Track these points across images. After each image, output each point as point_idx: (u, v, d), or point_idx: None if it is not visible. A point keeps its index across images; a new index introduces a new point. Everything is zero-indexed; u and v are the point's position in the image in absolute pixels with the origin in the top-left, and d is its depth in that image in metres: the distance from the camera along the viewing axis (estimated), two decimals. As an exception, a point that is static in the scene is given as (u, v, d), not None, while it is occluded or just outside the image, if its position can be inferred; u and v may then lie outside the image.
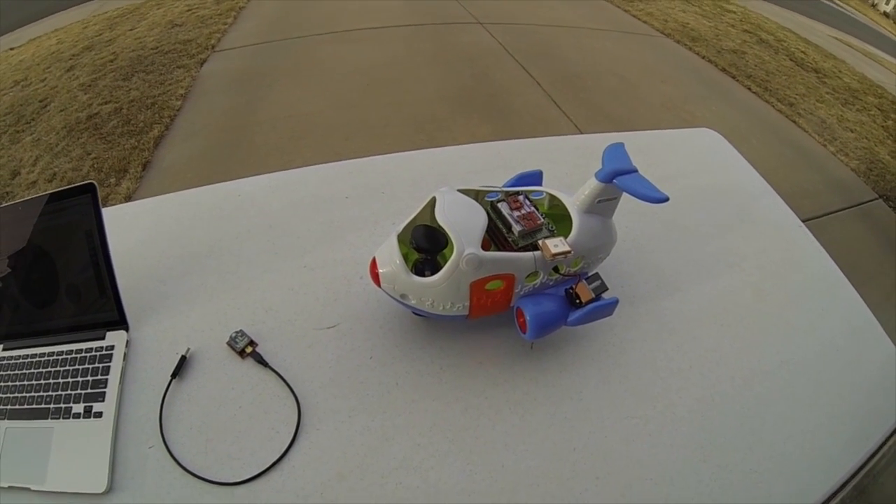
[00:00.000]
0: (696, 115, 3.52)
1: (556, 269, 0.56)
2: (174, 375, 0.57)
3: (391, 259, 0.53)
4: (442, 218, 0.51)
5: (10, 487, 0.51)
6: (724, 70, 4.45)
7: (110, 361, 0.58)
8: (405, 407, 0.56)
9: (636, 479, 0.54)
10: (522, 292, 0.55)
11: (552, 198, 0.61)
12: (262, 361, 0.58)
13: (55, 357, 0.59)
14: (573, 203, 0.57)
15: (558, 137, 1.00)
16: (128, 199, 2.34)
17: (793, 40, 5.93)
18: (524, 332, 0.55)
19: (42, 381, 0.58)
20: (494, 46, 4.11)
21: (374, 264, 0.54)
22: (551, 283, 0.57)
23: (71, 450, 0.53)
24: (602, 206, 0.58)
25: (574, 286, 0.55)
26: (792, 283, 0.77)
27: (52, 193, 0.61)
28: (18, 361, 0.60)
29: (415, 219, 0.56)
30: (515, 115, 3.20)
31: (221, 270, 0.68)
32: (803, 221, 0.90)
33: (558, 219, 0.59)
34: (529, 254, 0.53)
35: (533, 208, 0.57)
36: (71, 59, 4.19)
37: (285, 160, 2.52)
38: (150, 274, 0.68)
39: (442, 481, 0.51)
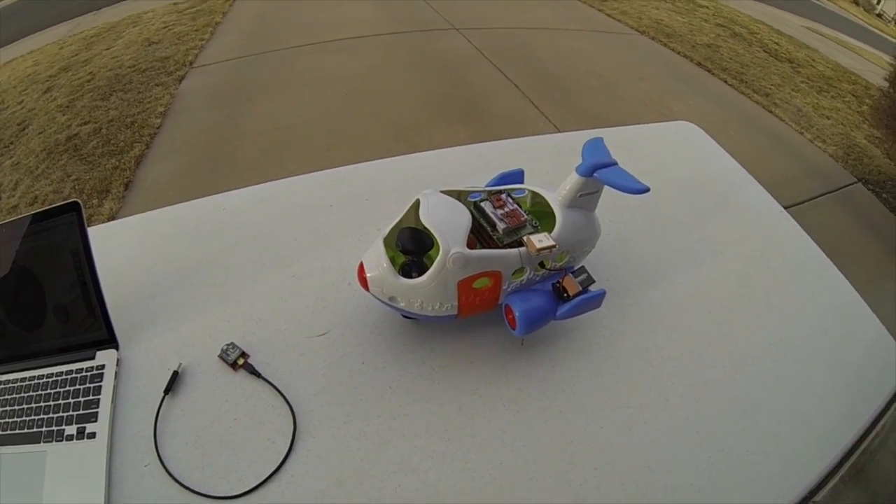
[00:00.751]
0: (674, 110, 3.57)
1: (542, 265, 0.57)
2: (167, 391, 0.56)
3: (378, 262, 0.53)
4: (426, 219, 0.51)
5: (5, 514, 0.50)
6: (699, 64, 4.52)
7: (101, 381, 0.57)
8: (400, 410, 0.56)
9: (634, 468, 0.54)
10: (510, 289, 0.56)
11: (534, 195, 0.62)
12: (254, 372, 0.58)
13: (45, 379, 0.59)
14: (555, 198, 0.58)
15: (538, 137, 1.00)
16: (111, 219, 2.28)
17: (765, 32, 6.04)
18: (514, 329, 0.55)
19: (33, 405, 0.57)
20: (471, 51, 4.14)
21: (361, 269, 0.55)
22: (538, 279, 0.58)
23: (66, 472, 0.52)
24: (584, 199, 0.59)
25: (561, 280, 0.55)
26: (776, 268, 0.78)
27: (35, 214, 0.60)
28: (8, 386, 0.60)
29: (400, 222, 0.56)
30: (495, 119, 3.23)
31: (210, 284, 0.68)
32: (785, 208, 0.91)
33: (542, 215, 0.60)
34: (515, 250, 0.53)
35: (516, 206, 0.58)
36: (48, 80, 4.15)
37: (268, 173, 2.48)
38: (139, 291, 0.68)
39: (441, 482, 0.52)
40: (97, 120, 3.23)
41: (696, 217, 0.85)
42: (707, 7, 6.56)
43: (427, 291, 0.52)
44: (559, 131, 0.92)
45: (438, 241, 0.50)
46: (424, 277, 0.51)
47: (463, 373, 0.59)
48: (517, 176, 0.66)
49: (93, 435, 0.53)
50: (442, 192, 0.56)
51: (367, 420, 0.55)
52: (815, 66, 5.23)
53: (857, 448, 0.60)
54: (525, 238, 0.53)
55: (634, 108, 3.56)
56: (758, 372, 0.64)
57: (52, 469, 0.52)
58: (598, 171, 0.56)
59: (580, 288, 0.55)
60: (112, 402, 0.56)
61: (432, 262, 0.51)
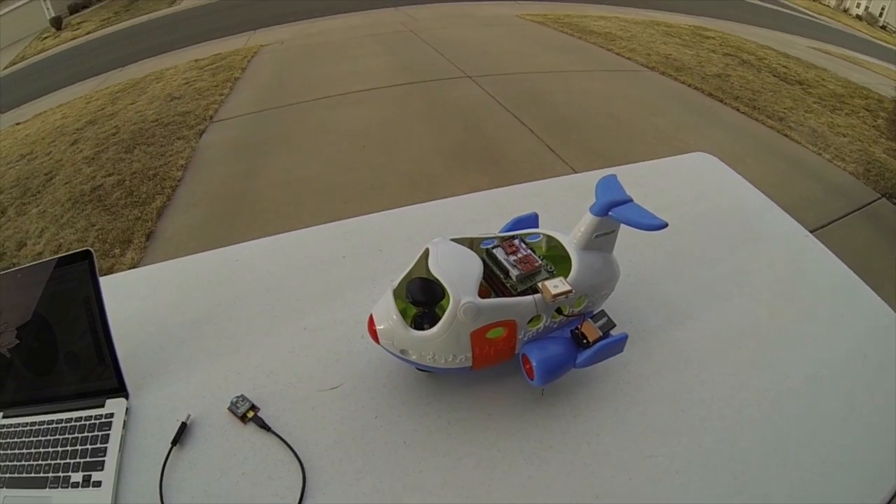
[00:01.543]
0: (689, 143, 3.56)
1: (559, 311, 0.54)
2: (174, 443, 0.55)
3: (388, 314, 0.51)
4: (436, 268, 0.50)
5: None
6: (710, 95, 4.53)
7: (110, 429, 0.57)
8: (414, 466, 0.53)
9: None
10: (526, 338, 0.54)
11: (549, 239, 0.61)
12: (264, 426, 0.56)
13: (54, 425, 0.59)
14: (570, 241, 0.56)
15: (552, 179, 0.99)
16: (132, 269, 2.35)
17: (773, 56, 6.06)
18: (531, 379, 0.53)
19: (41, 450, 0.57)
20: (485, 98, 4.22)
21: (371, 321, 0.53)
22: (556, 326, 0.55)
23: (70, 520, 0.51)
24: (600, 240, 0.57)
25: (579, 326, 0.53)
26: (807, 295, 0.75)
27: (49, 261, 0.61)
28: (18, 429, 0.60)
29: (410, 272, 0.55)
30: (511, 164, 3.25)
31: (221, 336, 0.68)
32: (810, 231, 0.88)
33: (558, 260, 0.58)
34: (529, 297, 0.51)
35: (529, 251, 0.56)
36: (75, 132, 4.34)
37: (286, 226, 2.52)
38: (150, 341, 0.67)
39: (459, 543, 0.48)
40: (121, 172, 3.34)
41: (718, 249, 0.82)
42: (714, 38, 6.64)
43: (439, 343, 0.50)
44: (576, 173, 0.92)
45: (448, 290, 0.48)
46: (435, 329, 0.49)
47: (480, 426, 0.57)
48: (531, 220, 0.64)
49: (98, 483, 0.53)
50: (453, 240, 0.55)
51: (379, 476, 0.53)
52: (826, 85, 5.20)
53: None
54: (540, 284, 0.51)
55: (649, 144, 3.56)
56: (796, 408, 0.60)
57: (56, 515, 0.51)
58: (613, 210, 0.54)
59: (600, 333, 0.53)
60: (119, 451, 0.55)
61: (444, 313, 0.49)
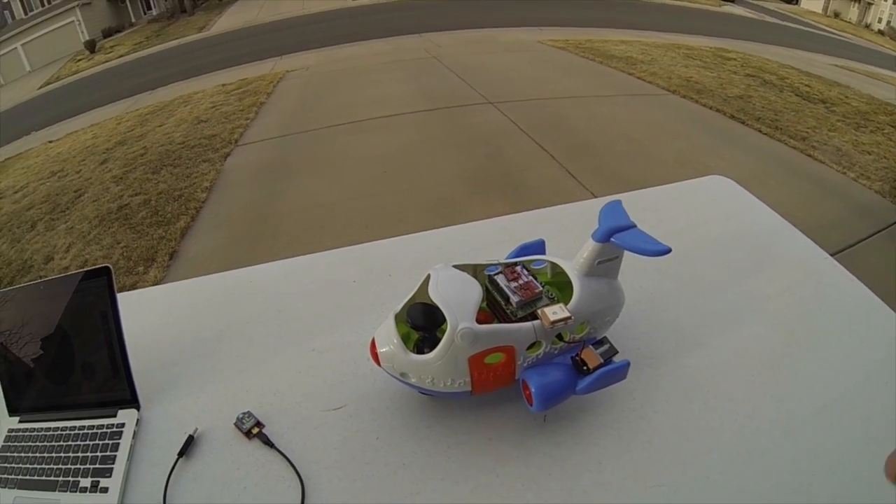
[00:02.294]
0: (710, 166, 3.52)
1: (559, 337, 0.55)
2: (181, 454, 0.57)
3: (388, 338, 0.52)
4: (435, 294, 0.51)
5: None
6: (732, 117, 4.50)
7: (120, 438, 0.59)
8: (412, 488, 0.54)
9: None
10: (526, 364, 0.54)
11: (554, 265, 0.61)
12: (268, 442, 0.58)
13: (67, 432, 0.61)
14: (573, 268, 0.57)
15: (564, 205, 0.99)
16: (152, 286, 2.40)
17: (795, 76, 6.00)
18: (531, 405, 0.53)
19: (53, 455, 0.60)
20: (506, 124, 4.25)
21: (373, 345, 0.54)
22: (556, 352, 0.55)
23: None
24: (603, 267, 0.57)
25: (579, 353, 0.53)
26: (824, 320, 0.72)
27: (71, 275, 0.65)
28: (33, 434, 0.63)
29: (413, 297, 0.56)
30: (531, 191, 3.26)
31: (231, 354, 0.70)
32: (833, 254, 0.85)
33: (563, 286, 0.59)
34: (528, 324, 0.51)
35: (531, 278, 0.57)
36: (105, 152, 4.50)
37: (306, 250, 2.56)
38: (163, 356, 0.70)
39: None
40: (147, 192, 3.45)
41: (731, 274, 0.80)
42: (735, 59, 6.61)
43: (437, 368, 0.50)
44: (592, 198, 0.92)
45: (446, 316, 0.49)
46: (433, 353, 0.50)
47: (480, 450, 0.56)
48: (538, 247, 0.65)
49: (105, 489, 0.55)
50: (455, 266, 0.56)
51: (377, 497, 0.53)
52: (850, 103, 5.12)
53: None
54: (539, 311, 0.52)
55: (670, 168, 3.54)
56: (811, 438, 0.57)
57: (63, 518, 0.54)
58: (616, 236, 0.54)
59: (601, 360, 0.53)
60: (127, 459, 0.57)
61: (444, 337, 0.50)
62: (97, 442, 0.59)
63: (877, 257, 2.61)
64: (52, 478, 0.57)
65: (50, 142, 5.57)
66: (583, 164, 3.55)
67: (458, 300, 0.50)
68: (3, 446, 0.63)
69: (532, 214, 0.95)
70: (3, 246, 3.13)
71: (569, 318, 0.50)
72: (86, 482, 0.56)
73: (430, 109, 4.61)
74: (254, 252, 2.70)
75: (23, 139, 6.30)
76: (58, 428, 0.62)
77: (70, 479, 0.57)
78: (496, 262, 0.61)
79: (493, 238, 0.88)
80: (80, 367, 0.64)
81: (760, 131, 4.21)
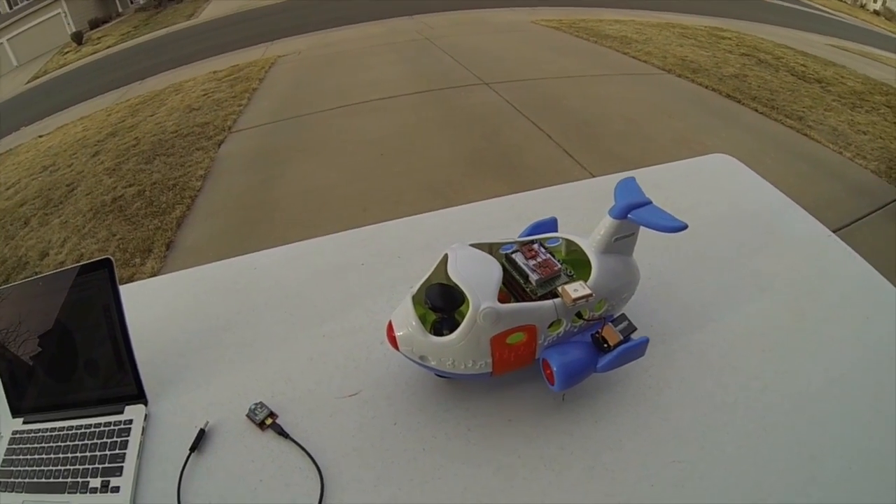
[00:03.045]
0: (707, 145, 3.51)
1: (579, 315, 0.54)
2: (193, 449, 0.56)
3: (407, 321, 0.51)
4: (455, 274, 0.49)
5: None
6: (728, 96, 4.48)
7: (128, 436, 0.57)
8: (433, 473, 0.53)
9: None
10: (546, 343, 0.53)
11: (569, 243, 0.60)
12: (282, 433, 0.56)
13: (73, 431, 0.60)
14: (590, 245, 0.56)
15: (570, 184, 0.98)
16: (152, 277, 2.38)
17: (791, 55, 5.98)
18: (552, 385, 0.52)
19: (60, 455, 0.58)
20: (502, 105, 4.21)
21: (390, 328, 0.53)
22: (576, 330, 0.55)
23: (87, 525, 0.51)
24: (620, 243, 0.56)
25: (600, 330, 0.52)
26: (830, 296, 0.73)
27: (70, 269, 0.62)
28: (37, 435, 0.61)
29: (429, 278, 0.55)
30: (529, 171, 3.24)
31: (239, 343, 0.68)
32: (832, 231, 0.86)
33: (578, 264, 0.58)
34: (549, 302, 0.51)
35: (549, 255, 0.56)
36: (96, 144, 4.44)
37: (304, 235, 2.55)
38: (169, 348, 0.68)
39: (479, 550, 0.48)
40: (141, 182, 3.41)
41: (739, 251, 0.81)
42: (730, 38, 6.56)
43: (459, 349, 0.49)
44: (594, 177, 0.91)
45: (468, 296, 0.48)
46: (455, 335, 0.49)
47: (500, 432, 0.56)
48: (550, 225, 0.64)
49: (116, 489, 0.53)
50: (472, 245, 0.55)
51: (398, 484, 0.52)
52: (845, 83, 5.11)
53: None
54: (560, 288, 0.51)
55: (667, 147, 3.53)
56: (821, 411, 0.58)
57: (73, 521, 0.52)
58: (633, 212, 0.53)
59: (621, 337, 0.52)
60: (138, 457, 0.56)
61: (464, 319, 0.49)
62: (105, 440, 0.57)
63: (874, 236, 2.62)
64: (60, 479, 0.56)
65: (40, 136, 5.48)
66: (580, 144, 3.53)
67: (478, 280, 0.49)
68: (7, 449, 0.61)
69: (538, 193, 0.94)
70: (-3, 244, 3.09)
71: (590, 294, 0.49)
72: (96, 482, 0.54)
73: (425, 91, 4.55)
74: (251, 238, 2.68)
75: (12, 135, 6.20)
76: (63, 428, 0.60)
77: (79, 479, 0.55)
78: (511, 240, 0.60)
79: (501, 217, 0.87)
80: (84, 363, 0.62)
81: (756, 110, 4.19)
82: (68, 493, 0.54)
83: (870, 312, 0.71)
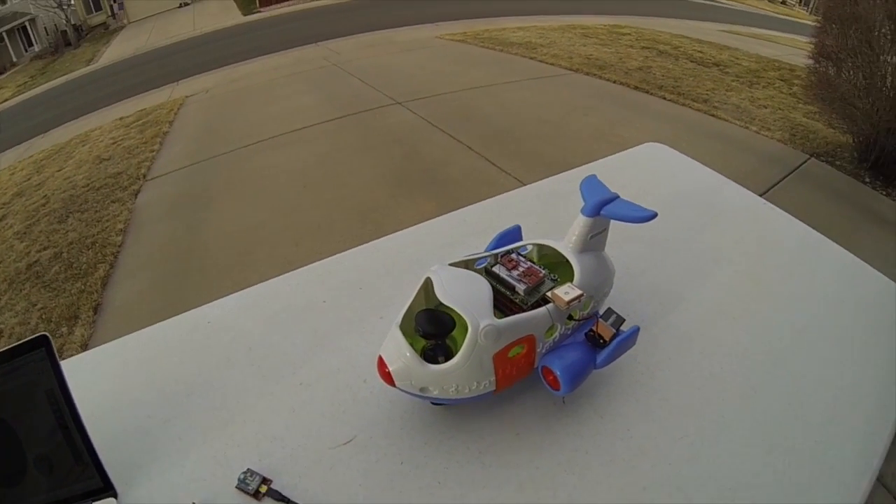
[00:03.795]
0: (625, 137, 3.69)
1: (570, 317, 0.53)
2: None
3: (400, 353, 0.48)
4: (445, 297, 0.47)
5: None
6: (636, 88, 4.73)
7: None
8: (455, 504, 0.50)
9: (715, 497, 0.51)
10: (544, 350, 0.52)
11: (541, 248, 0.60)
12: (281, 498, 0.51)
13: None
14: (566, 246, 0.56)
15: (516, 191, 0.99)
16: (84, 346, 2.22)
17: (688, 44, 6.43)
18: (556, 390, 0.51)
19: None
20: (418, 122, 4.24)
21: (381, 363, 0.50)
22: (569, 333, 0.54)
23: None
24: (595, 240, 0.57)
25: (594, 328, 0.52)
26: (778, 257, 0.80)
27: None
28: None
29: (412, 306, 0.52)
30: (455, 184, 3.26)
31: (208, 408, 0.62)
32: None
33: (552, 267, 0.58)
34: (543, 309, 0.50)
35: (530, 263, 0.55)
36: (1, 207, 4.08)
37: (240, 277, 2.48)
38: (130, 427, 0.60)
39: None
40: (56, 244, 3.16)
41: (689, 231, 0.86)
42: (629, 33, 6.97)
43: (462, 373, 0.47)
44: (522, 183, 0.92)
45: (464, 317, 0.46)
46: (457, 359, 0.47)
47: (512, 447, 0.54)
48: (515, 233, 0.63)
49: None
50: (450, 265, 0.53)
51: (420, 523, 0.49)
52: (741, 63, 5.55)
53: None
54: (550, 293, 0.50)
55: (587, 144, 3.67)
56: (798, 362, 0.64)
57: None
58: (605, 209, 0.54)
59: (614, 330, 0.52)
60: None
61: (456, 343, 0.47)
62: (76, 548, 0.49)
63: (791, 198, 2.85)
64: None
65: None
66: (501, 151, 3.60)
67: (471, 299, 0.47)
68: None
69: (487, 204, 0.94)
70: None
71: (581, 295, 0.49)
72: None
73: (340, 117, 4.52)
74: (185, 289, 2.53)
75: None
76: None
77: None
78: (484, 254, 0.58)
79: (455, 233, 0.86)
80: (34, 461, 0.53)
81: (665, 98, 4.46)
82: None
83: (815, 266, 0.79)
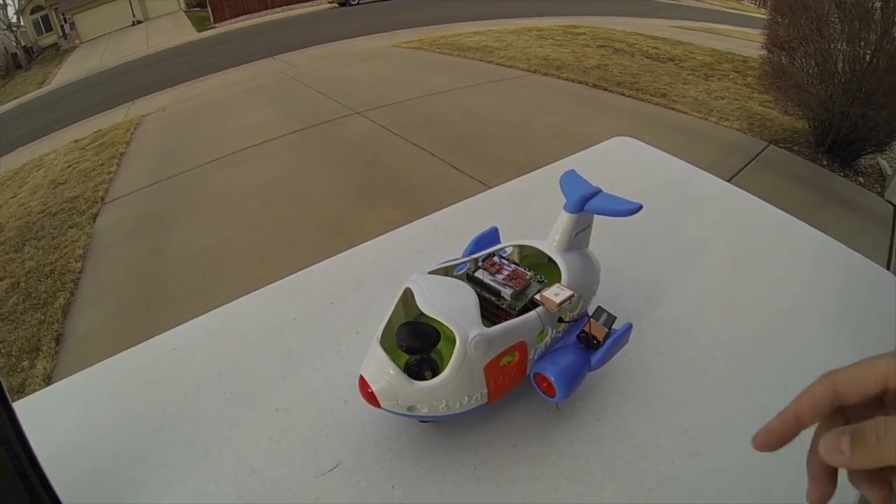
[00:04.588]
0: (587, 134, 3.74)
1: (560, 320, 0.51)
2: None
3: (383, 371, 0.45)
4: (429, 308, 0.44)
5: None
6: (595, 86, 4.81)
7: None
8: (455, 526, 0.47)
9: (726, 495, 0.49)
10: (535, 356, 0.50)
11: (522, 248, 0.58)
12: (264, 538, 0.47)
13: None
14: (550, 245, 0.53)
15: (487, 193, 0.96)
16: (47, 380, 2.11)
17: (642, 41, 6.58)
18: (551, 397, 0.49)
19: None
20: (379, 131, 4.22)
21: (363, 383, 0.46)
22: (560, 336, 0.52)
23: None
24: (579, 238, 0.55)
25: (586, 329, 0.50)
26: (756, 243, 0.81)
27: None
28: None
29: (391, 320, 0.49)
30: (419, 191, 3.25)
31: (180, 442, 0.57)
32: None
33: (535, 267, 0.55)
34: (533, 313, 0.47)
35: (514, 265, 0.53)
36: (-47, 239, 3.86)
37: (207, 298, 2.40)
38: (96, 470, 0.55)
39: None
40: (13, 274, 3.02)
41: (667, 222, 0.85)
42: (584, 33, 7.09)
43: (452, 388, 0.44)
44: (489, 187, 0.91)
45: (451, 328, 0.43)
46: (446, 373, 0.43)
47: (509, 460, 0.51)
48: (493, 235, 0.61)
49: None
50: (430, 273, 0.50)
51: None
52: (695, 57, 5.71)
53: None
54: (539, 296, 0.47)
55: (551, 143, 3.70)
56: (788, 344, 0.64)
57: None
58: (588, 204, 0.52)
59: (606, 329, 0.50)
60: None
61: (442, 356, 0.44)
62: None
63: (755, 184, 2.93)
64: None
65: None
66: (464, 156, 3.61)
67: (456, 308, 0.44)
68: None
69: (458, 208, 0.91)
70: None
71: (573, 295, 0.46)
72: None
73: (300, 130, 4.46)
74: (151, 314, 2.45)
75: None
76: None
77: None
78: (463, 259, 0.56)
79: (428, 240, 0.83)
80: None
81: (623, 94, 4.54)
82: None
83: (792, 247, 0.80)
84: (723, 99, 4.34)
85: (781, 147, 3.48)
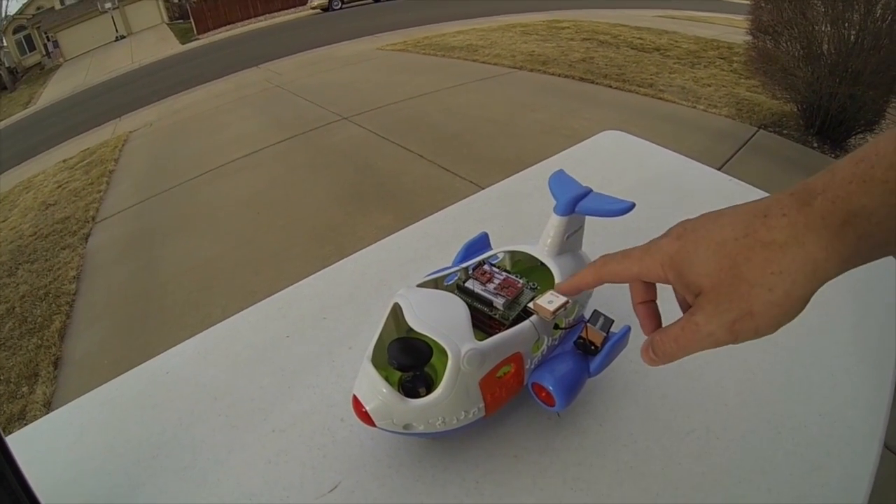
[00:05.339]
0: (576, 129, 3.73)
1: (556, 327, 0.50)
2: None
3: (375, 389, 0.44)
4: (417, 324, 0.43)
5: None
6: (581, 79, 4.81)
7: None
8: (459, 543, 0.46)
9: (731, 485, 0.49)
10: (532, 365, 0.48)
11: (513, 254, 0.56)
12: (265, 566, 0.46)
13: None
14: (542, 250, 0.52)
15: (476, 196, 0.95)
16: (48, 405, 2.10)
17: (626, 32, 6.58)
18: (551, 406, 0.48)
19: None
20: (367, 135, 4.20)
21: (357, 403, 0.45)
22: (556, 344, 0.51)
23: None
24: (571, 240, 0.54)
25: (584, 335, 0.48)
26: None
27: None
28: None
29: (382, 335, 0.48)
30: (411, 195, 3.24)
31: (177, 468, 0.56)
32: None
33: (527, 273, 0.54)
34: (527, 322, 0.46)
35: (506, 274, 0.51)
36: (-56, 265, 3.83)
37: (201, 313, 2.38)
38: (94, 500, 0.54)
39: None
40: (7, 299, 3.00)
41: (660, 215, 0.82)
42: (568, 27, 7.09)
43: (447, 405, 0.43)
44: (480, 187, 0.89)
45: (442, 344, 0.42)
46: (440, 390, 0.42)
47: (511, 472, 0.50)
48: (483, 241, 0.59)
49: None
50: (419, 286, 0.48)
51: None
52: (681, 46, 5.71)
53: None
54: (532, 305, 0.46)
55: (540, 139, 3.69)
56: (789, 336, 0.62)
57: None
58: (579, 205, 0.51)
59: (604, 334, 0.49)
60: None
61: (436, 370, 0.43)
62: None
63: (747, 169, 2.93)
64: None
65: None
66: (453, 156, 3.59)
67: (447, 323, 0.43)
68: None
69: (447, 213, 0.90)
70: None
71: (567, 302, 0.45)
72: None
73: (287, 138, 4.44)
74: (147, 333, 2.43)
75: None
76: None
77: None
78: (453, 269, 0.55)
79: (418, 247, 0.82)
80: None
81: (610, 87, 4.54)
82: None
83: None
84: (710, 86, 4.34)
85: (771, 131, 3.49)
